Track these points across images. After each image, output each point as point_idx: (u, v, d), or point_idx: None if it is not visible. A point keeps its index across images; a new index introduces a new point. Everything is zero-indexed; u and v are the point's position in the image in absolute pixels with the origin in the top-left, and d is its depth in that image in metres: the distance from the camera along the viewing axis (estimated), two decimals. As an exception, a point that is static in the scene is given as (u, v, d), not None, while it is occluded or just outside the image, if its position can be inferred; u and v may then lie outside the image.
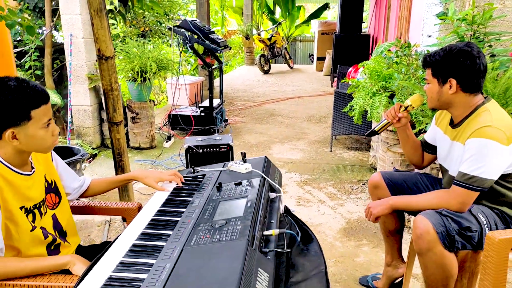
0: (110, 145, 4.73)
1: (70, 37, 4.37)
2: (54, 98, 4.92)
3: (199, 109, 5.32)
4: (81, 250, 1.67)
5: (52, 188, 1.59)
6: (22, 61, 5.83)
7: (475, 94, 1.80)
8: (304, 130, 5.73)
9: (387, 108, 3.24)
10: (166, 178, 1.77)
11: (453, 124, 1.89)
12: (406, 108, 2.01)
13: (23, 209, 1.44)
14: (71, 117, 4.65)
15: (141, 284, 1.07)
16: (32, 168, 1.52)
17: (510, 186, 1.79)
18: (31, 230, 1.44)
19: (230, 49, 6.35)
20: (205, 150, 3.99)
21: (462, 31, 2.86)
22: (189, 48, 4.93)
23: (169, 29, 4.93)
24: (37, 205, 1.50)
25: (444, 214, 1.71)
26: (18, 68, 5.64)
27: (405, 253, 2.25)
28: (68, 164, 3.53)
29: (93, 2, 2.50)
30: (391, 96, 3.27)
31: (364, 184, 3.90)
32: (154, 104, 5.07)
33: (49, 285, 1.26)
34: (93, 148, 4.68)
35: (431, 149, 2.10)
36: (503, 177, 1.77)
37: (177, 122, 5.29)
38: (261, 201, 1.48)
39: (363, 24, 8.71)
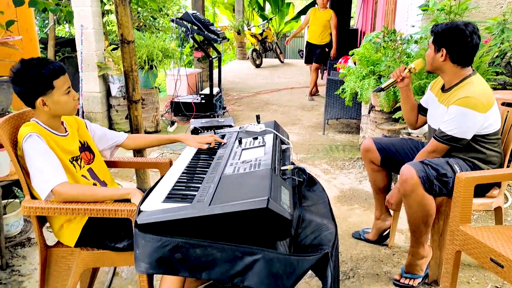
0: (118, 129, 5.04)
1: (81, 28, 4.67)
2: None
3: (199, 96, 5.66)
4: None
5: (85, 147, 1.94)
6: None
7: (462, 67, 2.16)
8: (298, 117, 6.10)
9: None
10: (208, 140, 2.07)
11: (444, 89, 2.25)
12: (409, 70, 2.37)
13: (67, 160, 1.78)
14: (82, 103, 4.95)
15: (194, 196, 1.42)
16: (66, 130, 1.87)
17: (484, 144, 2.16)
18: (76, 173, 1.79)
19: (228, 40, 6.69)
20: (209, 130, 4.35)
21: (441, 20, 3.25)
22: (190, 39, 5.26)
23: (172, 21, 5.26)
24: (75, 158, 1.84)
25: (426, 163, 2.08)
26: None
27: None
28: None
29: (118, -8, 2.83)
30: (379, 78, 3.65)
31: (355, 161, 4.27)
32: (159, 91, 5.39)
33: (114, 208, 1.60)
34: (101, 132, 4.98)
35: (424, 111, 2.46)
36: (480, 136, 2.13)
37: (179, 109, 5.62)
38: (276, 148, 1.83)
39: (351, 19, 9.11)
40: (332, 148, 4.70)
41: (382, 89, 2.47)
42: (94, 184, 1.88)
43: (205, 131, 4.28)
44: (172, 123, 5.38)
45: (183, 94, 6.30)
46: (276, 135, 2.03)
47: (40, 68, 1.68)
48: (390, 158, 2.51)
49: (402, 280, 2.31)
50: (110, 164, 2.12)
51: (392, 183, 2.67)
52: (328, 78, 5.03)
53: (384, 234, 2.74)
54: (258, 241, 1.34)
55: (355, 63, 4.32)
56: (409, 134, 3.31)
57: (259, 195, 1.31)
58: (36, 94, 1.71)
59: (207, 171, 1.68)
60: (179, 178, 1.63)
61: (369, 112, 4.21)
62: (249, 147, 1.89)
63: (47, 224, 1.86)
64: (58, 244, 1.83)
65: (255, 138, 1.99)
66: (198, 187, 1.51)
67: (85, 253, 1.75)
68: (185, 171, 1.72)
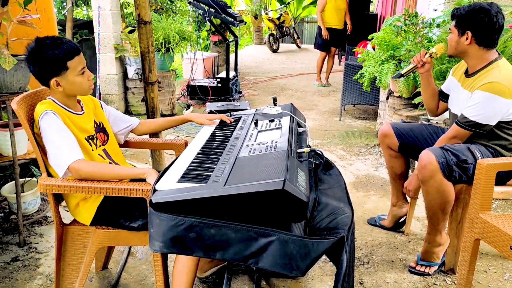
0: (134, 111, 5.06)
1: (99, 9, 4.67)
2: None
3: (215, 80, 5.64)
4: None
5: (100, 128, 1.94)
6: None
7: (488, 49, 2.08)
8: (314, 102, 6.04)
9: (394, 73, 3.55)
10: (216, 117, 2.08)
11: (468, 74, 2.18)
12: (430, 54, 2.30)
13: (83, 138, 1.78)
14: (99, 85, 4.97)
15: (209, 177, 1.41)
16: (82, 109, 1.87)
17: (508, 131, 2.09)
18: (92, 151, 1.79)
19: (245, 24, 6.63)
20: (225, 114, 4.31)
21: (464, 3, 3.15)
22: (207, 22, 5.22)
23: (189, 3, 5.22)
24: (91, 137, 1.84)
25: (446, 148, 2.03)
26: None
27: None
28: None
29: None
30: (399, 63, 3.58)
31: (371, 148, 4.22)
32: (176, 74, 5.38)
33: (129, 188, 1.60)
34: (118, 115, 5.01)
35: (446, 98, 2.40)
36: (504, 123, 2.07)
37: (195, 92, 5.61)
38: (293, 131, 1.81)
39: (370, 4, 8.93)
40: (348, 134, 4.65)
41: (401, 75, 2.41)
42: (110, 164, 1.88)
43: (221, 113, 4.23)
44: (188, 106, 5.38)
45: (199, 77, 6.28)
46: (293, 117, 2.00)
47: (54, 48, 1.66)
48: (408, 144, 2.46)
49: (417, 268, 2.28)
50: (125, 144, 2.12)
51: (410, 171, 2.63)
52: (346, 63, 4.96)
53: (400, 221, 2.70)
54: (273, 223, 1.33)
55: (374, 49, 4.24)
56: (428, 120, 3.25)
57: (275, 177, 1.29)
58: (50, 75, 1.70)
59: (222, 152, 1.67)
60: (195, 159, 1.62)
61: (387, 98, 4.14)
62: (265, 129, 1.86)
63: (64, 203, 1.87)
64: (74, 222, 1.84)
65: (272, 121, 1.97)
66: (213, 168, 1.50)
67: (100, 231, 1.76)
68: (201, 151, 1.71)
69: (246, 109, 4.38)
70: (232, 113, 2.27)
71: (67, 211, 2.37)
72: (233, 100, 5.55)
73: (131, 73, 4.98)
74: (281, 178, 1.26)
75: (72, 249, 1.82)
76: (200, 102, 5.69)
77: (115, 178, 1.66)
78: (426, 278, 2.24)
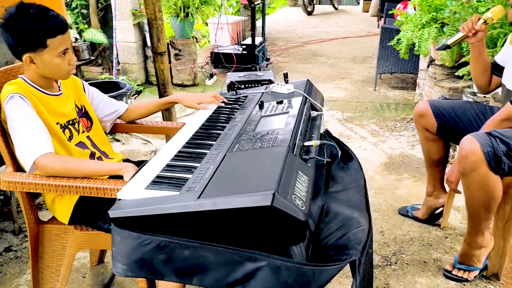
0: (154, 82, 4.81)
1: (114, -28, 4.37)
2: (100, 37, 4.99)
3: (241, 47, 5.28)
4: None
5: (83, 113, 1.68)
6: (68, 0, 5.93)
7: None
8: (348, 70, 5.60)
9: (436, 40, 3.10)
10: (207, 100, 1.80)
11: None
12: (485, 21, 1.88)
13: (58, 125, 1.53)
14: (117, 53, 4.74)
15: (186, 181, 1.13)
16: (60, 90, 1.60)
17: None
18: (68, 142, 1.54)
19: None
20: (246, 85, 3.98)
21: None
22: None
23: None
24: (71, 122, 1.58)
25: (494, 134, 1.65)
26: (65, 7, 5.73)
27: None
28: (115, 97, 3.66)
29: None
30: (442, 27, 3.11)
31: (408, 122, 3.81)
32: (197, 41, 5.07)
33: (102, 187, 1.34)
34: (138, 85, 4.78)
35: (500, 71, 1.99)
36: None
37: (219, 60, 5.29)
38: (302, 117, 1.48)
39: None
40: (383, 106, 4.23)
41: (447, 47, 2.01)
42: (93, 154, 1.63)
43: (242, 85, 3.93)
44: (211, 75, 5.08)
45: (225, 44, 5.93)
46: (306, 98, 1.67)
47: (35, 20, 1.39)
48: (449, 126, 2.08)
49: (454, 272, 1.95)
50: (112, 129, 1.86)
51: (450, 158, 2.25)
52: (383, 26, 4.47)
53: (436, 212, 2.35)
54: (264, 243, 1.04)
55: (415, 9, 3.75)
56: (474, 94, 2.81)
57: (264, 187, 0.99)
58: (24, 49, 1.44)
59: (212, 144, 1.37)
60: (178, 153, 1.34)
61: (428, 66, 3.68)
62: (269, 114, 1.55)
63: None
64: (53, 219, 1.62)
65: (279, 102, 1.65)
66: (195, 168, 1.21)
67: (78, 233, 1.53)
68: (188, 143, 1.42)
69: (270, 80, 4.03)
70: (238, 91, 1.95)
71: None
72: (259, 69, 5.19)
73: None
74: (270, 191, 0.96)
75: (50, 250, 1.61)
76: (225, 70, 5.38)
77: (88, 175, 1.41)
78: (464, 284, 1.92)
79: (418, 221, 2.38)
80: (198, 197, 1.01)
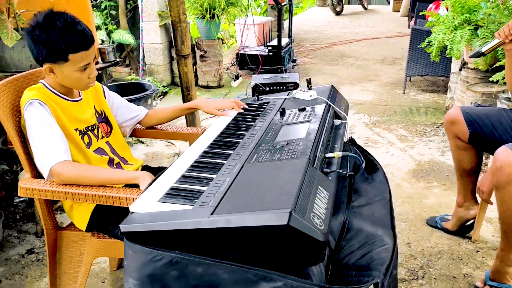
0: (179, 84, 4.82)
1: (141, -26, 4.39)
2: (128, 38, 5.04)
3: (267, 48, 5.23)
4: (148, 170, 1.73)
5: (102, 118, 1.66)
6: (98, 1, 6.01)
7: None
8: (376, 72, 5.47)
9: (469, 43, 2.97)
10: (227, 106, 1.76)
11: None
12: None
13: (77, 131, 1.51)
14: (143, 54, 4.76)
15: (201, 194, 1.08)
16: (80, 95, 1.59)
17: None
18: (87, 148, 1.52)
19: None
20: (271, 88, 3.93)
21: None
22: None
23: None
24: (90, 128, 1.57)
25: (532, 146, 1.55)
26: (94, 8, 5.80)
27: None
28: (139, 99, 3.67)
29: None
30: (475, 29, 2.98)
31: (438, 127, 3.68)
32: (223, 43, 5.04)
33: (118, 195, 1.32)
34: (163, 86, 4.80)
35: None
36: None
37: (245, 61, 5.25)
38: (325, 126, 1.42)
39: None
40: (412, 110, 4.10)
41: (482, 54, 1.90)
42: (112, 160, 1.61)
43: (267, 88, 3.88)
44: (237, 77, 5.05)
45: (251, 45, 5.89)
46: (329, 106, 1.61)
47: (60, 35, 1.37)
48: (482, 135, 1.97)
49: (485, 289, 1.85)
50: (132, 134, 1.84)
51: (483, 166, 2.14)
52: (413, 27, 4.34)
53: (467, 224, 2.24)
54: (280, 263, 0.99)
55: (447, 10, 3.61)
56: (509, 99, 2.67)
57: (280, 205, 0.94)
58: (45, 59, 1.43)
59: (230, 154, 1.33)
60: (194, 163, 1.30)
61: (460, 70, 3.54)
62: (290, 122, 1.49)
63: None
64: (71, 225, 1.61)
65: (302, 110, 1.59)
66: (211, 179, 1.17)
67: (95, 240, 1.52)
68: (205, 152, 1.38)
69: (296, 83, 3.98)
70: (259, 96, 1.90)
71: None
72: (285, 71, 5.12)
73: (176, 42, 4.71)
74: (287, 209, 0.91)
75: (68, 257, 1.60)
76: (251, 72, 5.33)
77: (103, 183, 1.38)
78: (496, 303, 1.81)
79: (447, 232, 2.27)
80: (212, 213, 0.97)
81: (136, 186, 1.37)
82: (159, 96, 4.63)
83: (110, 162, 1.61)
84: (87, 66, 1.46)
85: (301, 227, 0.90)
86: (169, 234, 1.00)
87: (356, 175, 1.46)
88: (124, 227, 1.02)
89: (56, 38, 1.37)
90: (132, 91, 3.74)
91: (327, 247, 0.98)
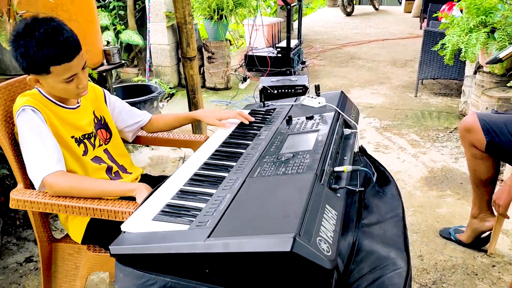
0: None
1: (148, -26, 4.33)
2: (136, 39, 4.98)
3: (275, 49, 5.15)
4: (148, 179, 1.66)
5: (102, 124, 1.59)
6: (106, 1, 5.97)
7: None
8: (387, 74, 5.36)
9: (485, 46, 2.86)
10: (229, 116, 1.66)
11: None
12: None
13: (73, 139, 1.44)
14: (150, 55, 4.70)
15: (198, 213, 1.01)
16: (78, 102, 1.51)
17: None
18: (83, 156, 1.45)
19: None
20: (279, 90, 3.84)
21: None
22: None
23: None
24: (87, 136, 1.49)
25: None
26: (103, 9, 5.76)
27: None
28: (145, 101, 3.61)
29: None
30: (492, 32, 2.86)
31: (451, 132, 3.56)
32: (230, 44, 4.97)
33: (113, 209, 1.24)
34: (170, 88, 4.73)
35: None
36: None
37: (253, 63, 5.17)
38: (334, 136, 1.33)
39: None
40: (424, 114, 3.98)
41: (500, 60, 1.81)
42: (110, 168, 1.54)
43: (275, 90, 3.79)
44: (244, 79, 4.97)
45: (260, 46, 5.81)
46: (339, 114, 1.52)
47: (39, 47, 1.26)
48: (500, 144, 1.87)
49: (503, 308, 1.75)
50: (134, 140, 1.77)
51: (501, 175, 2.04)
52: (426, 29, 4.22)
53: (483, 236, 2.13)
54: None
55: (462, 11, 3.50)
56: (527, 105, 2.56)
57: (283, 228, 0.85)
58: (27, 70, 1.34)
59: (232, 166, 1.24)
60: (193, 176, 1.22)
61: (475, 73, 3.43)
62: (297, 132, 1.41)
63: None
64: (67, 237, 1.54)
65: (309, 118, 1.50)
66: (211, 195, 1.09)
67: (91, 255, 1.44)
68: (206, 163, 1.30)
69: (305, 86, 3.88)
70: (266, 103, 1.82)
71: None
72: (294, 73, 5.03)
73: (184, 43, 4.64)
74: (290, 234, 0.82)
75: (64, 270, 1.53)
76: (259, 74, 5.25)
77: (97, 195, 1.31)
78: (514, 323, 1.71)
79: (461, 245, 2.17)
80: (209, 236, 0.89)
81: (133, 198, 1.30)
82: (166, 97, 4.56)
83: (108, 170, 1.53)
84: (74, 77, 1.36)
85: (306, 254, 0.81)
86: (163, 257, 0.92)
87: (366, 189, 1.37)
88: (114, 248, 0.94)
89: (34, 51, 1.27)
90: (138, 93, 3.68)
91: (335, 271, 0.90)
